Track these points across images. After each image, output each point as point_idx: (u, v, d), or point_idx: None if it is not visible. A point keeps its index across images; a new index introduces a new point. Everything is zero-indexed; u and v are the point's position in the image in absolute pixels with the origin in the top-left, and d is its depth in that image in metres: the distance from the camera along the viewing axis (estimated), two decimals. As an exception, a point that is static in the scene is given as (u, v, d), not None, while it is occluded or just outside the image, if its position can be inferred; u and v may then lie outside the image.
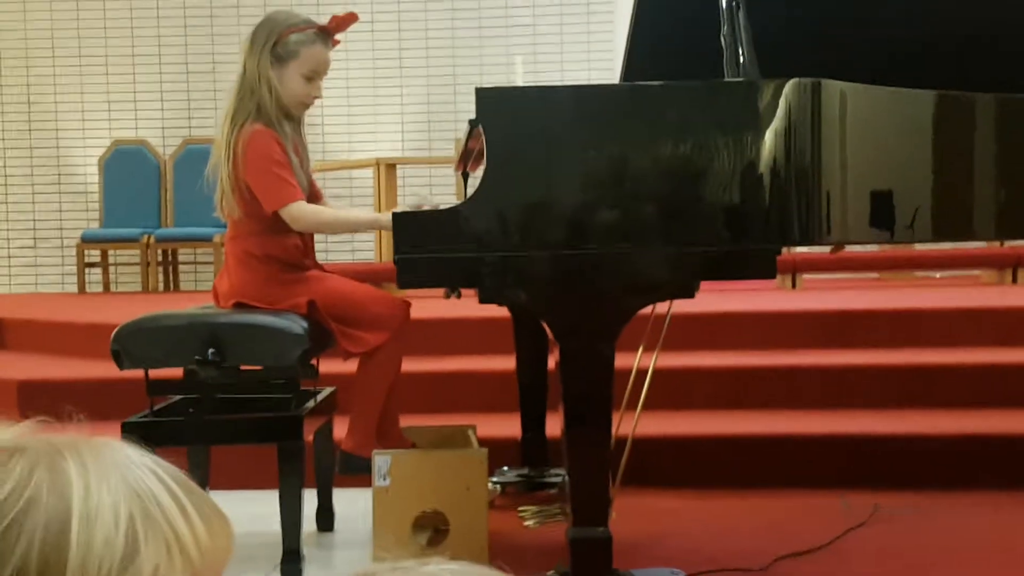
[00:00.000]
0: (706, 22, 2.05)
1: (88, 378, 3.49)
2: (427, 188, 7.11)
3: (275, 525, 2.28)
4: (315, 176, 2.61)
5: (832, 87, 1.89)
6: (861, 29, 2.34)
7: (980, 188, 2.01)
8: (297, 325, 2.27)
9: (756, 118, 1.86)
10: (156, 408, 2.32)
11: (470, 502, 2.32)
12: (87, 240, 6.78)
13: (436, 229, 1.90)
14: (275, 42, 2.40)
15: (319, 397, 2.49)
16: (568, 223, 1.87)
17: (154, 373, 2.30)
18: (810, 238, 1.90)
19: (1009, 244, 5.15)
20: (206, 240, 6.57)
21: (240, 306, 2.38)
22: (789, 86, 1.86)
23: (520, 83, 4.97)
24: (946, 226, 2.01)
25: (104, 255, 7.01)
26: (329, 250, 6.67)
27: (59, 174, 7.39)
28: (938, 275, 5.93)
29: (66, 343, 4.17)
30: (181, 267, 7.18)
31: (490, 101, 1.89)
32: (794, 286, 5.31)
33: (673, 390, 3.19)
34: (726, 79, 1.94)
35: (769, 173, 1.86)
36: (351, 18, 2.45)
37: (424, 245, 1.89)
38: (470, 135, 2.57)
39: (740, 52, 1.94)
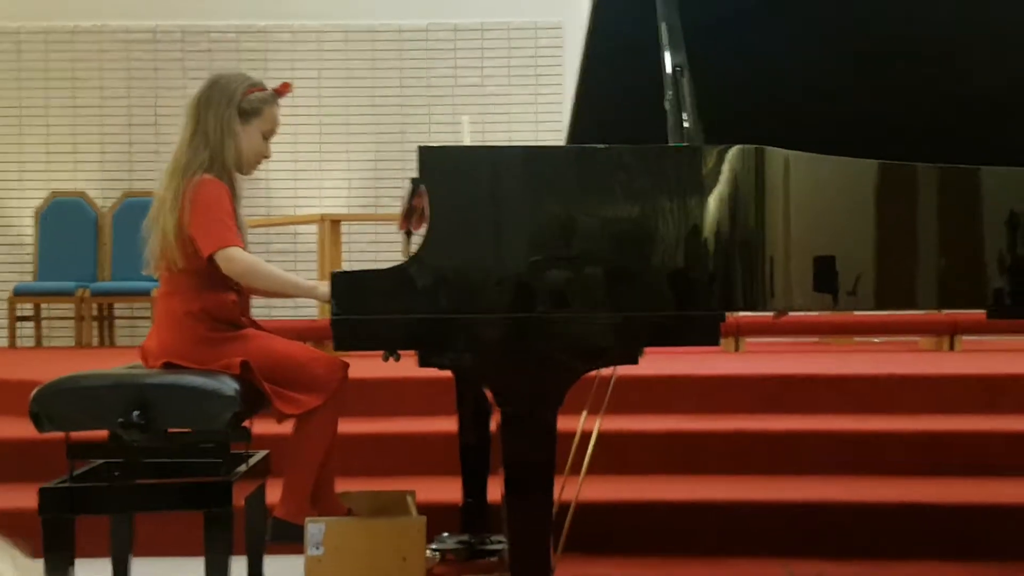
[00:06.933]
0: (651, 88, 2.05)
1: (9, 438, 3.35)
2: (372, 245, 7.06)
3: (201, 595, 2.18)
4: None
5: (775, 154, 1.89)
6: (808, 100, 2.37)
7: (922, 257, 2.01)
8: (228, 386, 2.19)
9: (700, 183, 1.85)
10: (77, 473, 2.22)
11: (406, 573, 2.24)
12: (19, 293, 6.61)
13: (376, 289, 1.85)
14: (240, 99, 2.41)
15: (251, 461, 2.40)
16: (512, 286, 1.83)
17: (77, 435, 2.20)
18: (753, 305, 1.88)
19: (947, 312, 5.22)
20: (144, 294, 6.44)
21: (169, 366, 2.30)
22: (733, 152, 1.86)
23: (467, 143, 4.97)
24: (888, 295, 2.00)
25: (37, 309, 6.83)
26: (272, 305, 6.56)
27: (-7, 225, 7.22)
28: (877, 340, 6.00)
29: (-9, 400, 4.00)
30: (117, 321, 7.02)
31: (434, 159, 1.86)
32: (737, 349, 5.33)
33: (616, 454, 3.14)
34: (670, 144, 1.93)
35: (713, 239, 1.85)
36: (286, 88, 2.55)
37: (363, 306, 1.84)
38: (413, 193, 2.54)
39: (684, 118, 1.94)
